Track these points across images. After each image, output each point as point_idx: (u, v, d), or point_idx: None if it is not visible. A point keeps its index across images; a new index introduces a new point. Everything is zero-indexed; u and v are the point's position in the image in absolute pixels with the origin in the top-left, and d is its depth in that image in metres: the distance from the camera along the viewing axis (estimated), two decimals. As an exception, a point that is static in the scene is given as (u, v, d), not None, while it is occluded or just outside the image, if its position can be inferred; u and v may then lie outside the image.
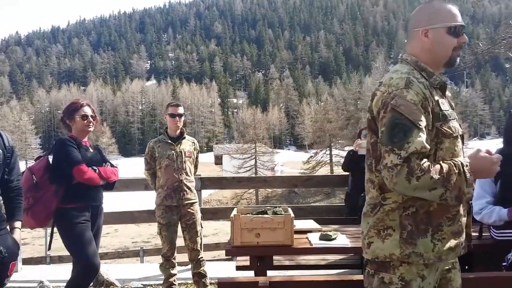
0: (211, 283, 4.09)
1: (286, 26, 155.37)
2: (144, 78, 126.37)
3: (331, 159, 45.33)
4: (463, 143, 1.76)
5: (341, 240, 3.02)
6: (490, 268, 2.56)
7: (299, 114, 76.80)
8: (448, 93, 1.79)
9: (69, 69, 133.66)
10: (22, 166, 2.85)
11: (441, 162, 1.58)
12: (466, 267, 2.91)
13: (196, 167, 4.23)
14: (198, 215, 4.05)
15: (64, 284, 3.07)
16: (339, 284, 2.28)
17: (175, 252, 4.04)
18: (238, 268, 3.34)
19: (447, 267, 1.74)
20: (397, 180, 1.51)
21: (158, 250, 6.34)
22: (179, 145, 4.00)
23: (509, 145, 2.93)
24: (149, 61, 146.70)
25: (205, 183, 5.33)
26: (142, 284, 4.52)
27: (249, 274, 3.37)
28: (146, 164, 4.07)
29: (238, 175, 34.64)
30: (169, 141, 3.99)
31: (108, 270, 4.81)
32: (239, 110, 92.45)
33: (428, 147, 1.55)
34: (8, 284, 2.30)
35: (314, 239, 3.03)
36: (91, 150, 3.27)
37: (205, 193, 34.48)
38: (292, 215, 2.93)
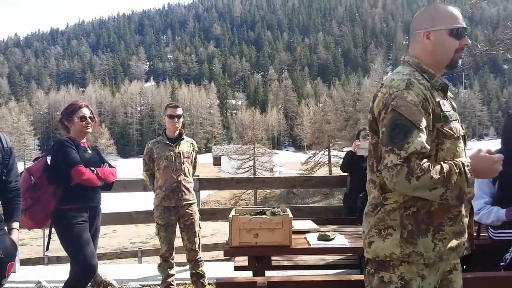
0: (209, 284, 4.09)
1: (285, 28, 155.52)
2: (143, 79, 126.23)
3: (329, 160, 45.32)
4: (465, 144, 1.76)
5: (340, 240, 3.03)
6: (488, 268, 2.56)
7: (298, 115, 76.71)
8: (450, 94, 1.80)
9: (68, 71, 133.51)
10: (20, 167, 2.85)
11: (441, 162, 1.59)
12: (464, 267, 2.91)
13: (194, 168, 4.23)
14: (197, 216, 4.06)
15: (62, 284, 3.07)
16: (337, 284, 2.28)
17: (173, 252, 4.04)
18: (237, 268, 3.35)
19: (449, 268, 1.74)
20: (397, 180, 1.52)
21: (156, 250, 6.32)
22: (177, 146, 4.01)
23: (507, 146, 2.94)
24: (148, 63, 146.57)
25: (204, 184, 5.33)
26: (140, 285, 4.52)
27: (248, 274, 3.37)
28: (144, 165, 4.07)
29: (237, 176, 34.68)
30: (168, 142, 4.00)
31: (107, 270, 4.81)
32: (237, 111, 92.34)
33: (428, 147, 1.56)
34: (6, 285, 2.29)
35: (313, 240, 3.03)
36: (90, 151, 3.28)
37: (204, 194, 34.45)
38: (291, 215, 2.93)
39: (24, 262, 6.19)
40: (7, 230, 2.38)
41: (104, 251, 11.98)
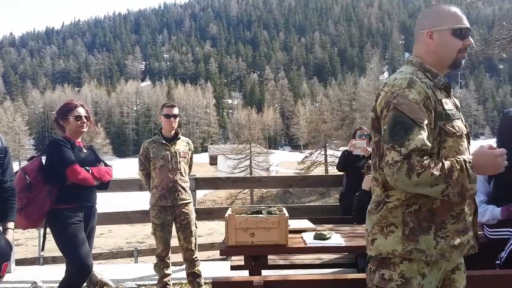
0: (205, 283, 4.09)
1: (281, 28, 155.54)
2: (139, 79, 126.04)
3: (325, 159, 45.40)
4: (469, 142, 1.77)
5: (336, 239, 3.03)
6: (484, 267, 2.56)
7: (294, 115, 76.79)
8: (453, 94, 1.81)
9: (63, 70, 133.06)
10: (16, 167, 2.84)
11: (443, 159, 1.60)
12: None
13: (190, 167, 4.22)
14: (193, 215, 4.05)
15: (57, 284, 3.06)
16: (333, 283, 2.28)
17: (170, 252, 4.03)
18: (233, 267, 3.34)
19: (451, 268, 1.75)
20: (397, 177, 1.54)
21: (153, 250, 6.32)
22: (173, 146, 4.00)
23: (503, 145, 2.94)
24: (144, 62, 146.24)
25: (200, 183, 5.32)
26: (136, 284, 4.51)
27: (244, 274, 3.37)
28: (140, 165, 4.06)
29: (233, 175, 34.64)
30: (164, 142, 3.99)
31: (102, 270, 4.80)
32: (234, 111, 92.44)
33: (429, 144, 1.57)
34: (1, 285, 2.29)
35: (309, 239, 3.03)
36: (85, 151, 3.26)
37: (200, 193, 34.45)
38: (287, 214, 2.93)
39: (19, 262, 6.16)
40: (1, 230, 2.37)
41: (100, 251, 11.97)
